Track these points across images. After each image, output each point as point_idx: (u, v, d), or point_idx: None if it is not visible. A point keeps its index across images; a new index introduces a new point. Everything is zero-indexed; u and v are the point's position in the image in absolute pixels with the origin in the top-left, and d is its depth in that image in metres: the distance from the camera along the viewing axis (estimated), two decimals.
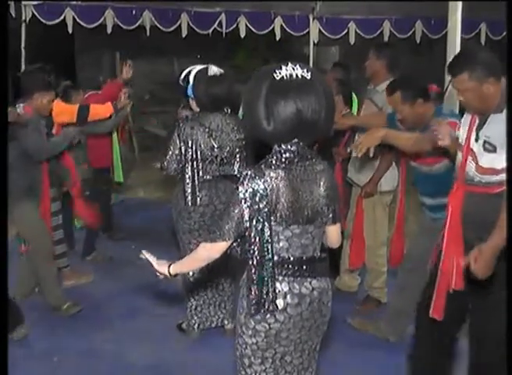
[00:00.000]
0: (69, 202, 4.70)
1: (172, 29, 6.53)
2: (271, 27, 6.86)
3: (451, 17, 4.55)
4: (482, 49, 2.75)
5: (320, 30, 7.03)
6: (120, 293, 4.68)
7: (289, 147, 2.16)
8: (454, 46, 4.51)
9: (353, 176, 4.35)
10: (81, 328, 4.05)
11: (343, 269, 4.57)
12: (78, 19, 5.97)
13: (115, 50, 10.44)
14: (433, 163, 3.40)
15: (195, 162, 3.61)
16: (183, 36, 6.60)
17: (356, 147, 3.16)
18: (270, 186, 2.11)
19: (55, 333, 4.00)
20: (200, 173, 3.63)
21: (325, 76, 4.62)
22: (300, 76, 2.08)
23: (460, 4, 4.54)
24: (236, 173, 3.72)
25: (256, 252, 2.14)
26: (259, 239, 2.13)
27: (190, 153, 3.60)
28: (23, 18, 5.77)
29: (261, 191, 2.10)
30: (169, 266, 2.29)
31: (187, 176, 3.61)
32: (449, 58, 4.35)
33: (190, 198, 3.62)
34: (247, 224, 2.12)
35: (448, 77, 4.27)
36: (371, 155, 3.22)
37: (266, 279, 2.15)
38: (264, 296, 2.16)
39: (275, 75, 2.07)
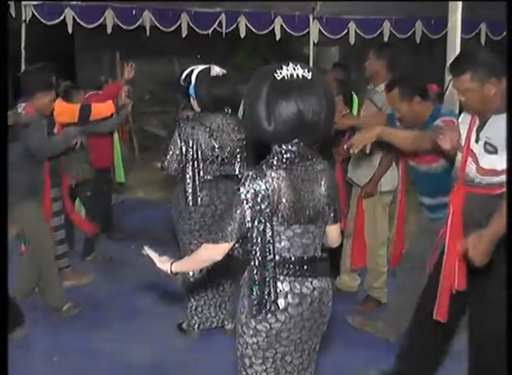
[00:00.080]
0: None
1: (172, 29, 6.53)
2: (271, 27, 6.86)
3: (451, 17, 4.55)
4: (484, 50, 2.75)
5: (320, 30, 7.04)
6: (120, 293, 4.68)
7: (289, 147, 2.16)
8: (454, 46, 4.51)
9: (353, 176, 4.35)
10: (81, 328, 4.05)
11: (343, 269, 4.57)
12: (78, 19, 5.97)
13: (115, 50, 10.44)
14: (431, 162, 3.40)
15: (196, 162, 3.61)
16: (183, 36, 6.60)
17: (352, 144, 3.16)
18: (271, 186, 2.11)
19: (55, 333, 4.00)
20: (201, 173, 3.63)
21: (325, 76, 4.62)
22: (300, 77, 2.08)
23: (460, 4, 4.54)
24: (236, 173, 3.72)
25: (258, 253, 2.14)
26: (261, 240, 2.13)
27: (191, 153, 3.60)
28: (23, 18, 5.76)
29: (263, 192, 2.10)
30: (171, 264, 2.28)
31: (188, 176, 3.61)
32: (449, 59, 4.39)
33: (190, 198, 3.62)
34: (249, 225, 2.11)
35: (448, 77, 4.28)
36: (367, 151, 3.22)
37: (268, 279, 2.15)
38: (266, 296, 2.16)
39: (275, 75, 2.07)
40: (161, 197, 7.24)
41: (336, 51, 11.34)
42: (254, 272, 2.16)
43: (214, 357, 3.66)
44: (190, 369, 3.61)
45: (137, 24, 6.35)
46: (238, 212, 2.11)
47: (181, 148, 3.60)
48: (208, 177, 3.66)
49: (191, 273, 3.69)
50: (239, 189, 2.12)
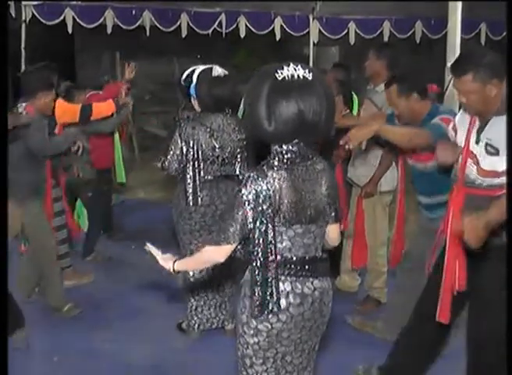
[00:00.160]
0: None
1: (172, 29, 6.53)
2: (271, 27, 6.86)
3: (451, 17, 4.55)
4: (486, 50, 2.74)
5: (320, 30, 7.04)
6: (120, 293, 4.68)
7: (290, 147, 2.16)
8: (454, 46, 4.51)
9: (353, 176, 4.35)
10: (81, 328, 4.05)
11: (343, 269, 4.57)
12: (78, 19, 5.97)
13: (115, 50, 10.42)
14: (427, 161, 3.39)
15: (196, 162, 3.61)
16: (183, 36, 6.60)
17: (348, 139, 3.17)
18: (273, 187, 2.11)
19: (55, 334, 4.00)
20: (202, 173, 3.62)
21: (325, 76, 4.62)
22: (301, 77, 2.08)
23: (460, 4, 4.54)
24: (237, 173, 3.72)
25: (260, 254, 2.14)
26: (263, 240, 2.13)
27: (192, 153, 3.60)
28: (23, 18, 5.76)
29: (264, 193, 2.10)
30: (174, 262, 2.28)
31: (188, 176, 3.61)
32: (449, 59, 4.40)
33: (191, 198, 3.62)
34: (251, 226, 2.11)
35: (448, 77, 4.29)
36: (363, 147, 3.23)
37: (270, 280, 2.16)
38: (268, 297, 2.16)
39: (276, 75, 2.07)
40: (162, 197, 7.24)
41: (335, 51, 11.33)
42: (256, 272, 2.16)
43: (214, 357, 3.66)
44: (190, 369, 3.61)
45: (137, 24, 6.35)
46: (240, 213, 2.11)
47: (181, 148, 3.60)
48: (209, 177, 3.66)
49: (191, 273, 3.69)
50: (240, 190, 2.12)
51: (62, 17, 5.91)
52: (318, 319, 2.30)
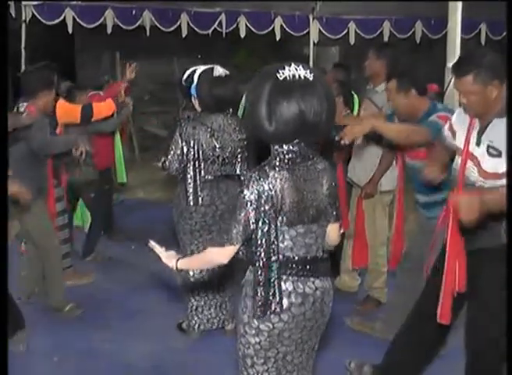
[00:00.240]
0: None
1: (172, 29, 6.52)
2: (271, 27, 6.85)
3: (451, 17, 4.55)
4: (487, 51, 2.73)
5: (320, 30, 7.03)
6: (120, 293, 4.68)
7: (291, 147, 2.17)
8: (454, 46, 4.50)
9: (353, 176, 4.35)
10: (81, 328, 4.05)
11: (343, 269, 4.57)
12: (78, 19, 5.97)
13: (115, 50, 10.42)
14: (424, 159, 3.39)
15: (197, 162, 3.60)
16: (183, 36, 6.59)
17: (344, 135, 3.17)
18: (275, 187, 2.11)
19: (54, 333, 4.00)
20: (202, 172, 3.62)
21: (326, 76, 4.62)
22: (302, 78, 2.08)
23: (460, 4, 4.53)
24: (237, 173, 3.72)
25: (262, 254, 2.15)
26: (265, 241, 2.13)
27: (192, 153, 3.59)
28: (23, 18, 5.76)
29: (267, 193, 2.10)
30: (177, 261, 2.28)
31: (189, 176, 3.61)
32: (449, 59, 4.39)
33: (191, 198, 3.62)
34: (254, 226, 2.12)
35: (448, 77, 4.29)
36: (358, 142, 3.24)
37: (272, 280, 2.16)
38: (271, 297, 2.16)
39: (278, 75, 2.07)
40: (162, 197, 7.24)
41: (335, 51, 11.34)
42: (259, 273, 2.16)
43: (214, 357, 3.66)
44: (190, 369, 3.61)
45: (137, 24, 6.35)
46: (242, 214, 2.11)
47: (182, 147, 3.60)
48: (209, 177, 3.65)
49: (191, 273, 3.70)
50: (242, 191, 2.12)
51: (62, 17, 5.91)
52: (319, 319, 2.30)
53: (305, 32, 7.08)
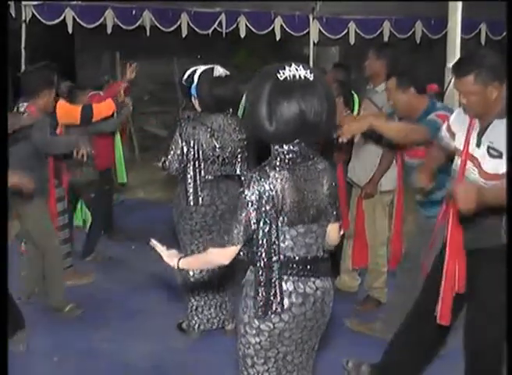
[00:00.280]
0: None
1: (172, 29, 6.52)
2: (271, 27, 6.85)
3: (451, 17, 4.55)
4: (488, 52, 2.73)
5: (320, 30, 7.03)
6: (120, 293, 4.68)
7: (291, 147, 2.17)
8: (454, 46, 4.50)
9: (353, 176, 4.35)
10: (81, 328, 4.05)
11: (343, 269, 4.57)
12: (78, 19, 5.96)
13: (115, 50, 10.42)
14: (422, 157, 3.39)
15: (197, 162, 3.60)
16: (183, 36, 6.59)
17: (342, 133, 3.18)
18: (275, 187, 2.11)
19: (54, 333, 4.00)
20: (202, 173, 3.62)
21: (326, 76, 4.62)
22: (303, 78, 2.08)
23: (460, 4, 4.53)
24: (237, 173, 3.72)
25: (263, 254, 2.15)
26: (266, 241, 2.13)
27: (192, 153, 3.59)
28: (23, 18, 5.76)
29: (267, 193, 2.10)
30: (179, 259, 2.28)
31: (189, 176, 3.61)
32: (449, 59, 4.39)
33: (191, 198, 3.62)
34: (255, 227, 2.12)
35: (448, 77, 4.29)
36: (356, 139, 3.25)
37: (273, 280, 2.16)
38: (272, 297, 2.16)
39: (278, 75, 2.08)
40: (162, 197, 7.24)
41: (335, 51, 11.34)
42: (260, 273, 2.16)
43: (214, 357, 3.66)
44: (190, 369, 3.61)
45: (137, 24, 6.34)
46: (243, 214, 2.11)
47: (182, 147, 3.60)
48: (209, 177, 3.65)
49: (191, 273, 3.69)
50: (243, 191, 2.12)
51: (62, 17, 5.90)
52: (320, 319, 2.30)
53: (305, 32, 7.07)
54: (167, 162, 3.62)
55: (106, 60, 10.92)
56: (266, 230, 2.12)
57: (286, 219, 2.15)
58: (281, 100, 2.06)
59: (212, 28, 6.66)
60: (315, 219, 2.22)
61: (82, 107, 4.37)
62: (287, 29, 6.93)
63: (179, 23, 6.48)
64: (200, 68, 3.62)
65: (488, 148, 2.67)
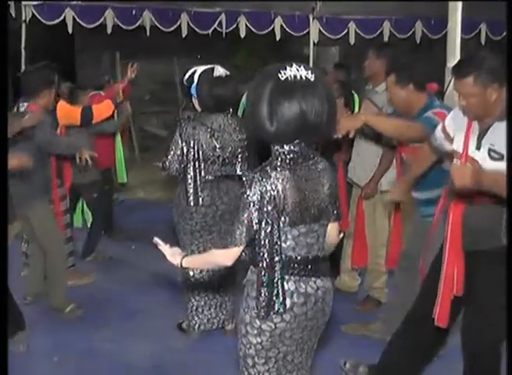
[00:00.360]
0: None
1: (172, 29, 6.52)
2: (271, 27, 6.85)
3: (451, 17, 4.55)
4: (488, 53, 2.73)
5: (320, 30, 7.02)
6: (120, 293, 4.68)
7: (292, 148, 2.17)
8: (454, 46, 4.51)
9: (353, 176, 4.35)
10: (81, 328, 4.05)
11: (343, 269, 4.57)
12: (78, 19, 5.96)
13: (115, 50, 10.42)
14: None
15: (197, 163, 3.60)
16: (183, 36, 6.59)
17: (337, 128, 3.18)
18: (277, 187, 2.11)
19: (54, 333, 4.00)
20: (202, 173, 3.62)
21: (327, 76, 4.62)
22: (304, 78, 2.08)
23: (460, 4, 4.54)
24: (238, 173, 3.72)
25: (265, 254, 2.15)
26: (268, 241, 2.13)
27: (192, 153, 3.59)
28: (23, 18, 5.75)
29: (269, 193, 2.10)
30: (182, 258, 2.28)
31: (189, 176, 3.61)
32: (449, 59, 4.40)
33: (191, 198, 3.62)
34: (257, 227, 2.12)
35: (448, 77, 4.29)
36: (351, 136, 3.25)
37: (276, 280, 2.16)
38: (274, 298, 2.16)
39: (279, 75, 2.08)
40: (162, 197, 7.24)
41: (335, 51, 11.33)
42: (262, 273, 2.16)
43: (214, 357, 3.66)
44: (190, 369, 3.61)
45: (137, 24, 6.34)
46: (245, 215, 2.11)
47: (182, 148, 3.59)
48: (209, 177, 3.65)
49: (191, 273, 3.69)
50: (245, 192, 2.12)
51: (62, 17, 5.90)
52: (320, 319, 2.30)
53: (305, 32, 7.07)
54: (167, 163, 3.61)
55: (106, 60, 10.92)
56: (268, 231, 2.12)
57: (287, 219, 2.15)
58: (282, 100, 2.06)
59: (212, 28, 6.66)
60: (316, 218, 2.22)
61: (82, 109, 4.37)
62: (287, 29, 6.93)
63: (179, 23, 6.48)
64: (201, 68, 3.62)
65: (489, 150, 2.66)
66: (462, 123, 2.80)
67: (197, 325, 3.89)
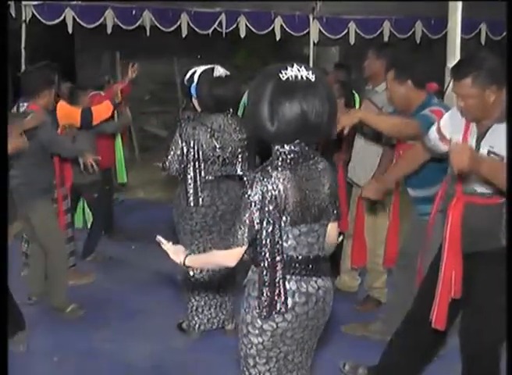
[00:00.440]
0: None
1: (172, 29, 6.52)
2: (271, 27, 6.85)
3: (451, 17, 4.55)
4: (487, 55, 2.72)
5: (320, 30, 7.03)
6: (120, 293, 4.68)
7: (292, 147, 2.17)
8: (454, 46, 4.50)
9: (353, 176, 4.35)
10: (81, 328, 4.05)
11: (343, 269, 4.57)
12: (78, 19, 5.96)
13: (115, 50, 10.42)
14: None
15: (197, 163, 3.60)
16: (183, 36, 6.59)
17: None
18: (278, 187, 2.11)
19: (55, 333, 4.00)
20: (202, 173, 3.62)
21: (327, 76, 4.61)
22: (304, 78, 2.09)
23: (460, 4, 4.53)
24: (238, 173, 3.72)
25: (267, 254, 2.15)
26: (270, 241, 2.14)
27: (192, 153, 3.59)
28: (23, 18, 5.76)
29: (270, 193, 2.10)
30: (185, 257, 2.27)
31: (189, 176, 3.61)
32: (449, 59, 4.39)
33: (192, 198, 3.62)
34: (258, 227, 2.12)
35: (448, 77, 4.28)
36: (346, 132, 3.25)
37: (277, 280, 2.16)
38: (276, 297, 2.16)
39: (280, 75, 2.08)
40: (162, 197, 7.24)
41: (335, 51, 11.34)
42: (264, 273, 2.16)
43: (214, 357, 3.66)
44: (190, 369, 3.61)
45: (137, 24, 6.34)
46: (247, 215, 2.11)
47: (182, 148, 3.59)
48: (210, 178, 3.65)
49: (192, 273, 3.69)
50: (246, 192, 2.12)
51: (62, 17, 5.90)
52: (321, 319, 2.31)
53: (305, 32, 7.07)
54: (167, 163, 3.61)
55: (106, 60, 10.92)
56: (269, 230, 2.12)
57: (288, 218, 2.15)
58: (283, 100, 2.06)
59: (212, 28, 6.66)
60: (317, 218, 2.22)
61: (81, 110, 4.37)
62: (287, 29, 6.93)
63: (179, 23, 6.48)
64: (201, 68, 3.62)
65: (489, 152, 2.65)
66: (459, 125, 2.79)
67: (197, 325, 3.89)
